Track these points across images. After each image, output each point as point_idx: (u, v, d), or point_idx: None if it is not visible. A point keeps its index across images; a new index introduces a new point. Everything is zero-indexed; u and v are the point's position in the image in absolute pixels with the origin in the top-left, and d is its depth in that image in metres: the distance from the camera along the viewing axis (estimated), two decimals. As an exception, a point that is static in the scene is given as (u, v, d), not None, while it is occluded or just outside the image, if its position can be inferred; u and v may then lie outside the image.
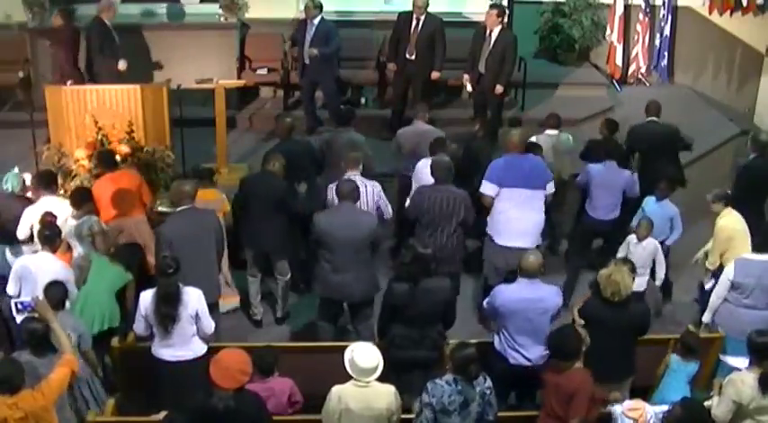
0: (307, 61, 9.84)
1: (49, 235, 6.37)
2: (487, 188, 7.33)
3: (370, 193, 7.36)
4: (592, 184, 7.90)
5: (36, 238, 6.55)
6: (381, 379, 5.39)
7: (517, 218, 7.24)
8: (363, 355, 5.26)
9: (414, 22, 9.72)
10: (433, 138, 8.04)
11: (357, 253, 6.76)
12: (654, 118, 8.64)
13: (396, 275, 6.31)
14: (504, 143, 7.57)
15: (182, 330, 5.89)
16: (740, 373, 5.54)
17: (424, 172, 7.57)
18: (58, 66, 9.58)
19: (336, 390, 5.27)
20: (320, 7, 9.77)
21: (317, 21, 9.74)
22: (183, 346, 5.91)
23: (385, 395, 5.30)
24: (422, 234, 7.19)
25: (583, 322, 5.99)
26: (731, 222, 7.27)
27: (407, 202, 7.47)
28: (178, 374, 5.87)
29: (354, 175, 7.35)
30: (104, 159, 7.59)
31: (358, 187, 6.98)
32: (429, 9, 9.74)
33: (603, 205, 7.90)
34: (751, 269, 6.69)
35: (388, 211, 7.54)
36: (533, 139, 8.36)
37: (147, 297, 5.90)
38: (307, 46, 9.77)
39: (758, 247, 6.79)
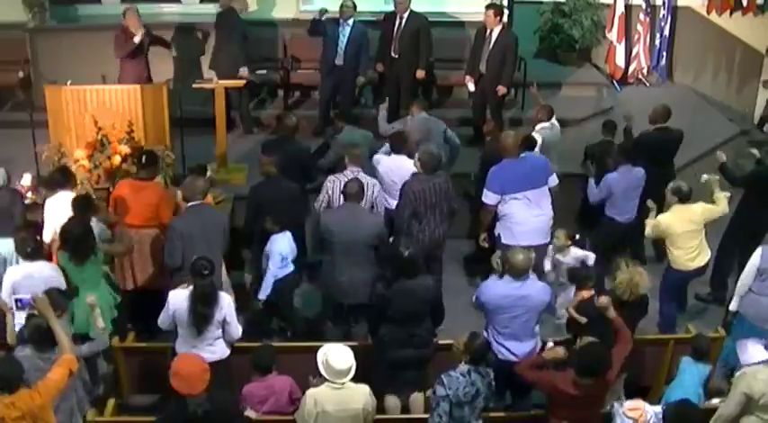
0: (339, 63, 9.79)
1: (31, 252, 6.29)
2: (490, 198, 7.29)
3: (371, 191, 7.33)
4: (615, 194, 7.77)
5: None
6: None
7: (527, 218, 7.26)
8: (337, 356, 5.24)
9: (397, 21, 9.70)
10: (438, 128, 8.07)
11: (362, 253, 6.74)
12: (663, 124, 8.37)
13: (377, 276, 6.35)
14: (500, 146, 7.47)
15: (208, 333, 5.88)
16: (753, 368, 5.54)
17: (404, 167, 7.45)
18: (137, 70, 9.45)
19: (311, 393, 5.23)
20: (355, 7, 9.70)
21: (351, 21, 9.70)
22: (206, 349, 5.86)
23: (360, 395, 5.28)
24: (411, 226, 7.11)
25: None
26: (670, 222, 7.18)
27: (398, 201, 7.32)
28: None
29: (357, 172, 7.34)
30: (148, 162, 7.32)
31: (364, 188, 6.95)
32: (425, 9, 9.72)
33: (630, 208, 7.85)
34: None
35: (381, 210, 7.46)
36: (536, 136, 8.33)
37: (179, 296, 5.85)
38: (342, 47, 9.70)
39: None
